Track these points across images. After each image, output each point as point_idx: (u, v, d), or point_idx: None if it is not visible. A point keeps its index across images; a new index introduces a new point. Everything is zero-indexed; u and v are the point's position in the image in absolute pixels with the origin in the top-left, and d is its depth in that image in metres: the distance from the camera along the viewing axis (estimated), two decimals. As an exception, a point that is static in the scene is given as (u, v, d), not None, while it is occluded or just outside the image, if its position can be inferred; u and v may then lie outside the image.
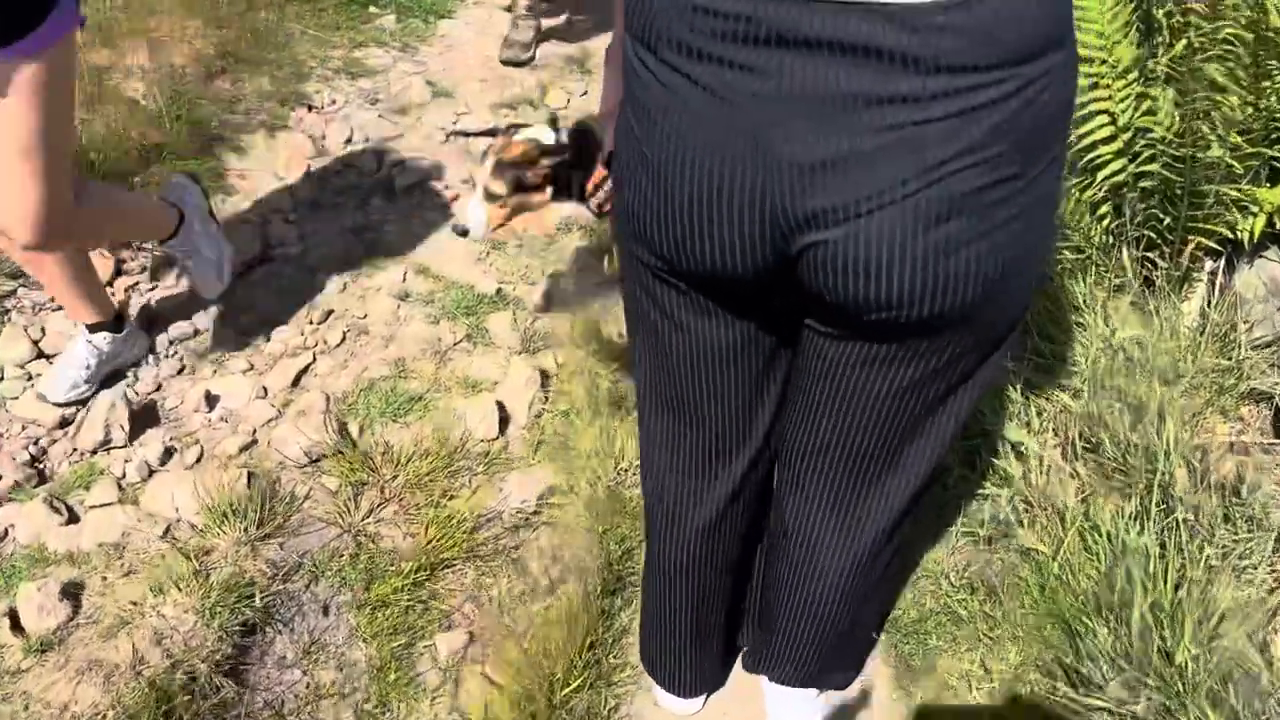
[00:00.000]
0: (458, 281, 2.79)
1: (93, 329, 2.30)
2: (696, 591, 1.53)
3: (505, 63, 3.71)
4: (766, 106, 0.87)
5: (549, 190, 2.26)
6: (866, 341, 1.07)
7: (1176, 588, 1.59)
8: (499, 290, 2.76)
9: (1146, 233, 2.13)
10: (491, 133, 3.37)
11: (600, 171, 1.70)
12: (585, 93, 3.70)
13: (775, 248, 0.97)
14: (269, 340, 2.56)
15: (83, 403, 2.29)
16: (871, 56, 0.82)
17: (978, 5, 0.81)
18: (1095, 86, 2.04)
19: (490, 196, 2.24)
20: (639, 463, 1.49)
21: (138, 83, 3.06)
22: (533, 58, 3.75)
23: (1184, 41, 1.97)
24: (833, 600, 1.47)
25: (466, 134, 3.36)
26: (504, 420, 2.35)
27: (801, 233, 0.93)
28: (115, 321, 2.35)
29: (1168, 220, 2.06)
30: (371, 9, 3.86)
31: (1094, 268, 2.13)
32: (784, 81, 0.86)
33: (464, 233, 2.28)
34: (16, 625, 1.85)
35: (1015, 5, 0.82)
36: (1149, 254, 2.16)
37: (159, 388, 2.41)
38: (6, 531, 2.03)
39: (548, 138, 2.28)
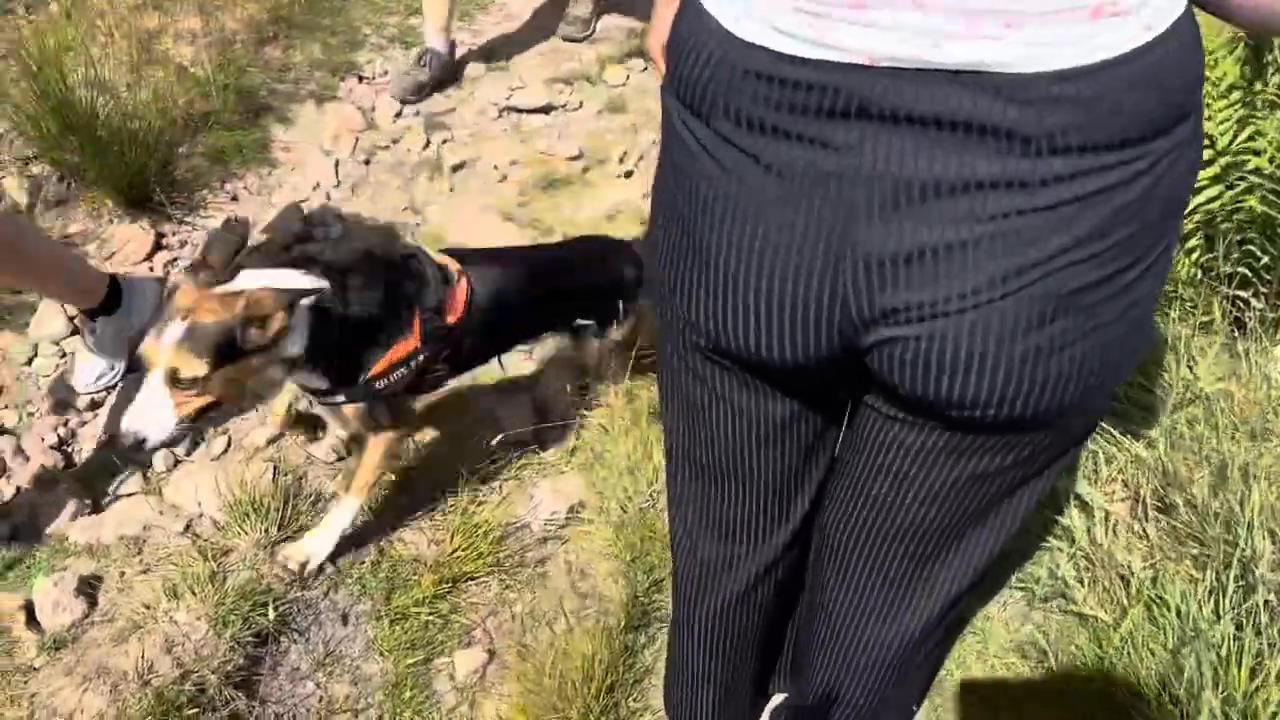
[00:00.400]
0: (501, 269, 2.70)
1: (90, 314, 2.19)
2: (725, 651, 1.43)
3: (565, 39, 3.58)
4: (842, 189, 0.76)
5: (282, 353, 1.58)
6: (936, 431, 0.95)
7: (1252, 678, 1.45)
8: (543, 281, 2.66)
9: (1240, 270, 1.95)
10: (546, 110, 3.27)
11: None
12: (646, 69, 3.56)
13: (844, 341, 0.85)
14: (305, 325, 2.49)
15: (113, 387, 2.25)
16: (972, 134, 0.71)
17: (1101, 72, 0.68)
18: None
19: (176, 381, 1.51)
20: (667, 511, 1.38)
21: (187, 48, 2.99)
22: (592, 33, 3.61)
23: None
24: (876, 669, 1.36)
25: (519, 110, 3.25)
26: (538, 421, 2.27)
27: (877, 328, 0.82)
28: (108, 299, 2.18)
29: (1265, 259, 1.88)
30: (430, -26, 3.74)
31: (1179, 304, 1.96)
32: (864, 160, 0.74)
33: (138, 445, 1.53)
34: (32, 619, 1.82)
35: (1146, 71, 0.70)
36: (1241, 293, 1.97)
37: (191, 371, 2.35)
38: (29, 519, 2.00)
39: (294, 281, 1.59)
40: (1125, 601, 1.62)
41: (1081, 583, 1.68)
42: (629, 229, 2.82)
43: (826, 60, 0.73)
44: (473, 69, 3.38)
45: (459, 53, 3.41)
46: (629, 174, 3.08)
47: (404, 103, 3.12)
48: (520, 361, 2.41)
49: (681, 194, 0.87)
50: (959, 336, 0.78)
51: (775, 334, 0.87)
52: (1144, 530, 1.69)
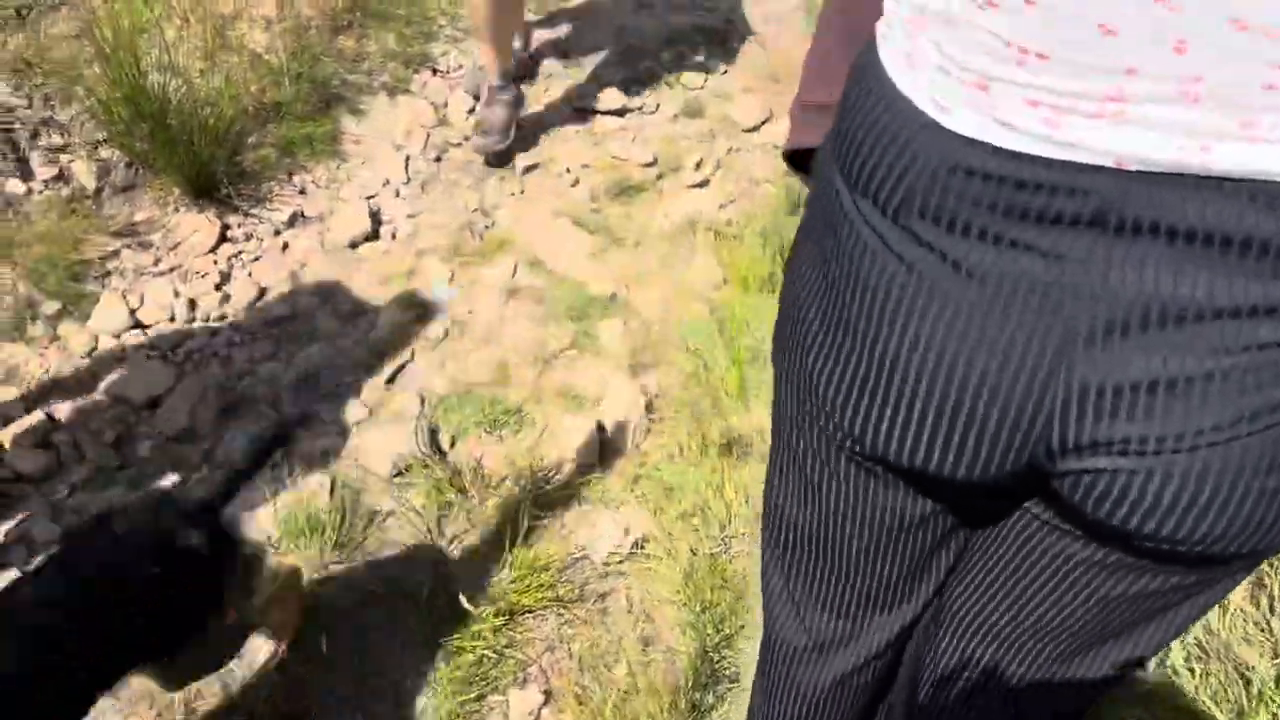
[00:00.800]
0: (570, 278, 2.61)
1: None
2: None
3: (478, 151, 2.91)
4: (1062, 304, 0.66)
5: None
6: (1113, 552, 0.83)
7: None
8: (613, 295, 2.57)
9: None
10: (620, 112, 3.16)
11: None
12: (725, 71, 3.44)
13: (1032, 462, 0.75)
14: (373, 329, 2.42)
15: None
16: (1232, 251, 0.61)
17: None
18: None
19: None
20: (762, 576, 1.27)
21: (261, 34, 2.92)
22: (510, 140, 2.90)
23: None
24: None
25: (593, 112, 3.15)
26: (603, 445, 2.18)
27: (1080, 456, 0.72)
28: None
29: None
30: (509, -36, 3.64)
31: None
32: (1093, 275, 0.65)
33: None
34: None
35: None
36: None
37: (252, 372, 2.30)
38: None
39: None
40: (1245, 703, 1.49)
41: (1193, 672, 1.56)
42: (702, 242, 2.72)
43: (1061, 160, 0.63)
44: (548, 66, 3.29)
45: (534, 46, 3.31)
46: (704, 183, 2.97)
47: (477, 98, 3.03)
48: (593, 375, 2.32)
49: (849, 291, 0.76)
50: (1184, 475, 0.69)
51: (950, 451, 0.76)
52: (1267, 624, 1.56)
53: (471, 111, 3.04)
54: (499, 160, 2.92)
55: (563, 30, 3.46)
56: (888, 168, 0.70)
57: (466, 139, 2.95)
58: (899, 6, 0.72)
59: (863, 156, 0.72)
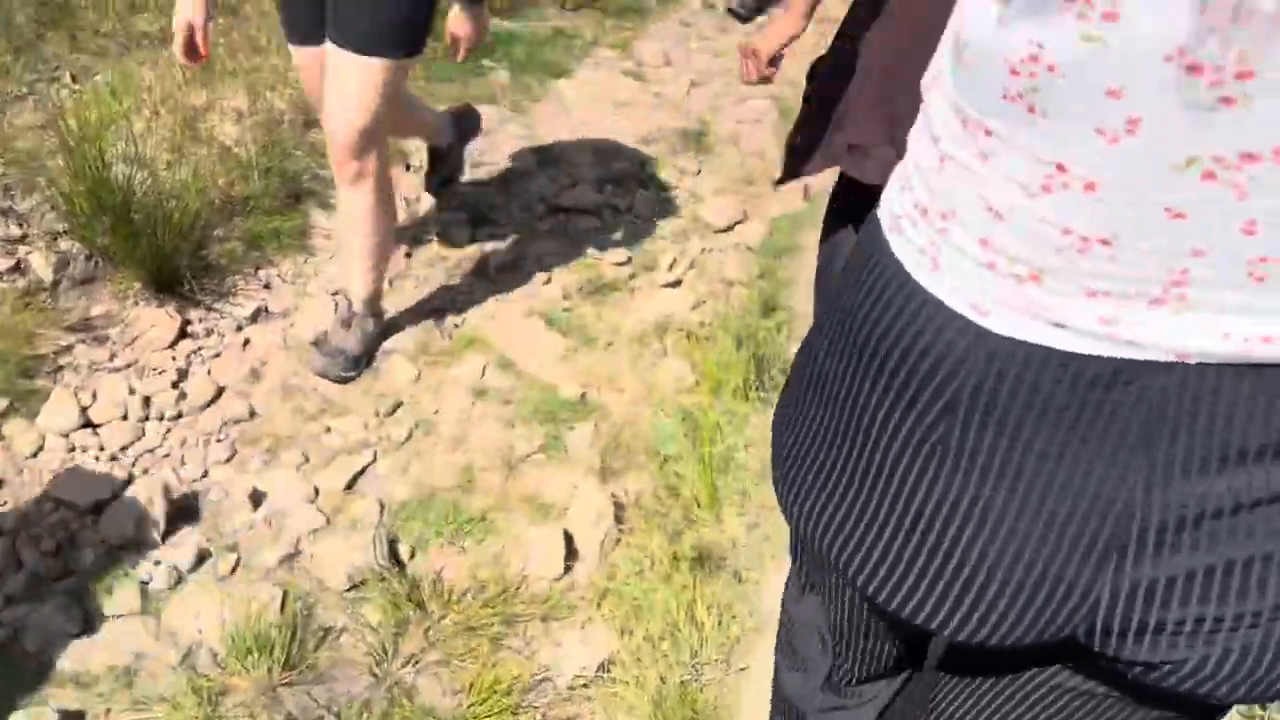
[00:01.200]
0: (540, 379, 2.56)
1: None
2: None
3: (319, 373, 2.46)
4: (1118, 493, 0.66)
5: None
6: (1123, 685, 0.80)
7: None
8: (584, 396, 2.52)
9: None
10: (596, 211, 3.16)
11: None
12: (699, 171, 3.46)
13: (1072, 633, 0.72)
14: (329, 431, 2.35)
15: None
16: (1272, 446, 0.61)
17: None
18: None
19: None
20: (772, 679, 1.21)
21: (232, 127, 2.90)
22: (360, 372, 2.47)
23: None
24: None
25: (567, 210, 3.14)
26: (570, 556, 2.10)
27: (1125, 638, 0.70)
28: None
29: None
30: (485, 62, 3.68)
31: None
32: (1152, 462, 0.64)
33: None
34: (4, 760, 1.65)
35: None
36: None
37: (205, 474, 2.21)
38: (15, 635, 1.84)
39: None
40: None
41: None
42: (674, 343, 2.69)
43: (1120, 358, 0.62)
44: (523, 162, 3.28)
45: (511, 147, 3.32)
46: (677, 283, 2.95)
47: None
48: (561, 481, 2.25)
49: (882, 483, 0.74)
50: (1244, 649, 0.67)
51: (978, 616, 0.73)
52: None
53: (444, 207, 3.02)
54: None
55: (538, 127, 3.47)
56: (925, 376, 0.68)
57: (439, 235, 2.92)
58: (912, 198, 0.69)
59: (892, 364, 0.70)
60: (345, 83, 2.12)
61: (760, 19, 1.99)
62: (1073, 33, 0.55)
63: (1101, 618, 0.69)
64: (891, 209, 0.72)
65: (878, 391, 0.71)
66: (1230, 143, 0.54)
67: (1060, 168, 0.59)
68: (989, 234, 0.63)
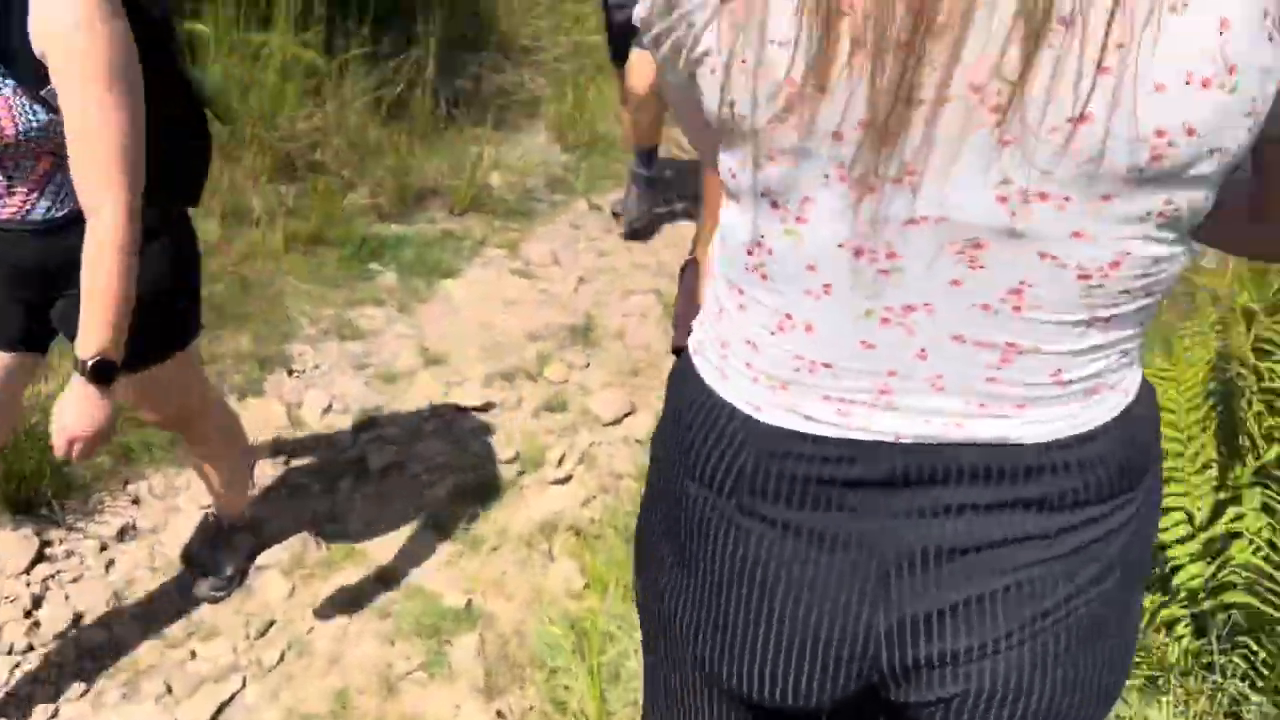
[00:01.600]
0: (423, 589, 2.48)
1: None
2: None
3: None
4: (874, 549, 0.84)
5: None
6: None
7: None
8: (468, 603, 2.45)
9: (1235, 660, 1.79)
10: (483, 408, 3.17)
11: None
12: (588, 365, 3.52)
13: (863, 687, 0.89)
14: (194, 658, 2.22)
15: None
16: (989, 494, 0.82)
17: (1097, 439, 0.82)
18: (1170, 481, 1.79)
19: None
20: None
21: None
22: (231, 590, 2.40)
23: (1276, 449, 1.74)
24: None
25: (454, 408, 3.14)
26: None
27: (908, 675, 0.86)
28: None
29: (1263, 654, 1.73)
30: (373, 265, 3.73)
31: (1172, 692, 1.77)
32: (893, 524, 0.83)
33: None
34: None
35: (1126, 432, 0.83)
36: (1246, 686, 1.78)
37: (55, 715, 2.05)
38: None
39: None
40: None
41: None
42: (562, 544, 2.65)
43: (855, 439, 0.82)
44: (409, 362, 3.29)
45: (397, 348, 3.33)
46: (566, 479, 2.94)
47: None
48: (443, 702, 2.15)
49: (698, 550, 0.91)
50: (994, 675, 0.84)
51: (790, 681, 0.89)
52: None
53: (327, 411, 2.98)
54: None
55: (425, 327, 3.51)
56: (719, 456, 0.87)
57: (320, 439, 2.87)
58: (705, 333, 0.93)
59: (695, 448, 0.89)
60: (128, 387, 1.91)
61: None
62: (779, 229, 0.79)
63: (885, 661, 0.85)
64: (696, 339, 0.95)
65: (690, 474, 0.91)
66: (893, 299, 0.77)
67: (788, 316, 0.82)
68: (751, 359, 0.86)
